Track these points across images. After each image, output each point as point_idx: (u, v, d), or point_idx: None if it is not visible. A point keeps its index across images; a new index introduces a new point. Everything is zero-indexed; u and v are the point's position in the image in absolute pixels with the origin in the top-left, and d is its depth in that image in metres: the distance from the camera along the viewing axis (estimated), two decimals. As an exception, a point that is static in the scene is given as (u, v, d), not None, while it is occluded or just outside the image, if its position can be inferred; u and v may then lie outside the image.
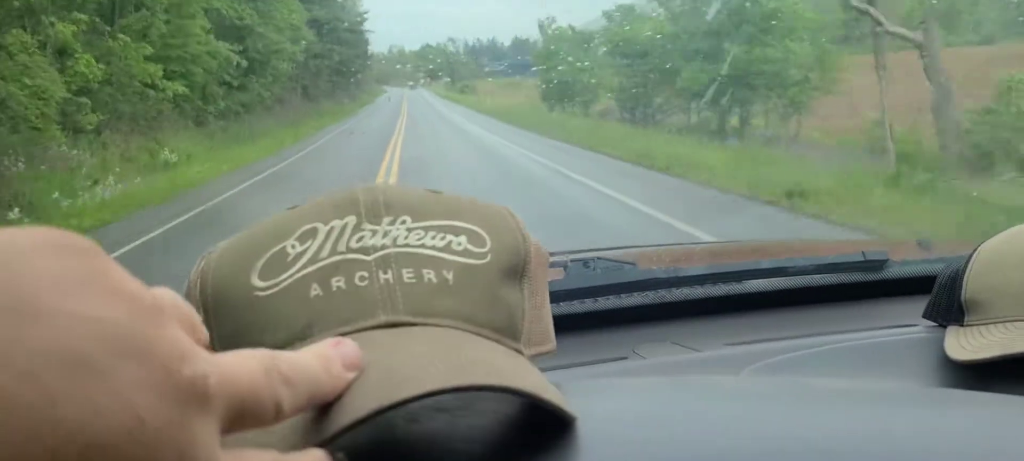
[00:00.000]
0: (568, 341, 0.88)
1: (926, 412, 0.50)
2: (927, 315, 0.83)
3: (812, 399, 0.52)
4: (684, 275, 0.90)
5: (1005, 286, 0.74)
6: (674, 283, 0.89)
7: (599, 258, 0.91)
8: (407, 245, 0.43)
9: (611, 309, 0.88)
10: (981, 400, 0.59)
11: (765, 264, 0.96)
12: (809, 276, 0.96)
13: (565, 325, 0.88)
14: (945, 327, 0.79)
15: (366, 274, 0.41)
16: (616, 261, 0.91)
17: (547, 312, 0.49)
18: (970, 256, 0.80)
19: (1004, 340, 0.70)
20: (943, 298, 0.81)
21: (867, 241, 1.09)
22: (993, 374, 0.68)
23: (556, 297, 0.89)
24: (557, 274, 0.88)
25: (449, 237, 0.44)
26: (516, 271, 0.46)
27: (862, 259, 0.96)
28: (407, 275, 0.41)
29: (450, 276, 0.42)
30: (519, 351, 0.44)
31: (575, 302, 0.88)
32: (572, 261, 0.90)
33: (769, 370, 0.76)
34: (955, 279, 0.80)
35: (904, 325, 0.86)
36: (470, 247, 0.44)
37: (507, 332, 0.44)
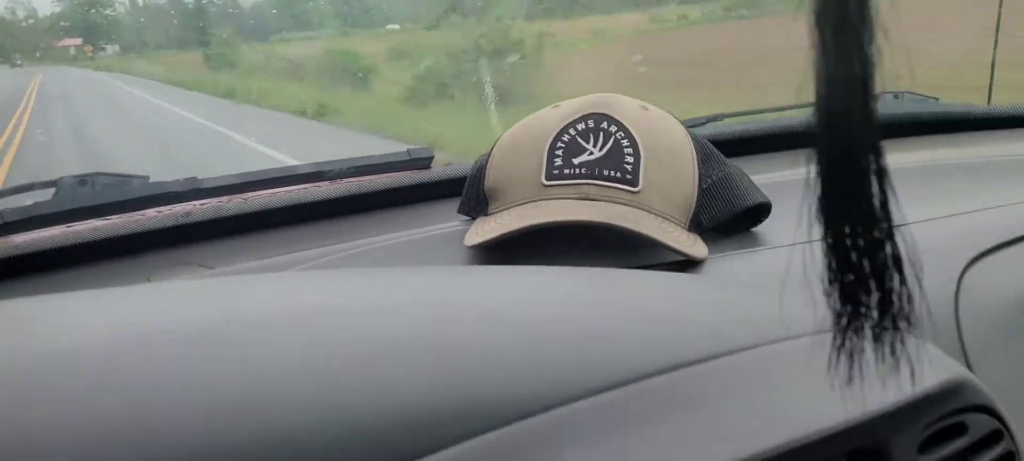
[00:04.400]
0: (61, 275, 0.73)
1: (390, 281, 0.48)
2: (461, 210, 0.84)
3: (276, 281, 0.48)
4: (206, 187, 0.80)
5: (518, 172, 0.76)
6: (193, 195, 0.79)
7: (99, 174, 0.77)
8: None
9: (119, 235, 0.75)
10: (473, 271, 0.59)
11: (302, 169, 0.90)
12: (352, 181, 0.91)
13: (55, 258, 0.73)
14: (475, 219, 0.80)
15: None
16: (122, 176, 0.78)
17: None
18: (492, 148, 0.82)
19: (505, 222, 0.71)
20: (472, 192, 0.83)
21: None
22: (514, 252, 0.69)
23: (44, 221, 0.74)
24: (45, 195, 0.73)
25: None
26: None
27: (407, 158, 0.94)
28: None
29: None
30: None
31: (70, 227, 0.73)
32: (66, 178, 0.75)
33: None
34: (480, 172, 0.82)
35: (445, 223, 0.86)
36: None
37: None
